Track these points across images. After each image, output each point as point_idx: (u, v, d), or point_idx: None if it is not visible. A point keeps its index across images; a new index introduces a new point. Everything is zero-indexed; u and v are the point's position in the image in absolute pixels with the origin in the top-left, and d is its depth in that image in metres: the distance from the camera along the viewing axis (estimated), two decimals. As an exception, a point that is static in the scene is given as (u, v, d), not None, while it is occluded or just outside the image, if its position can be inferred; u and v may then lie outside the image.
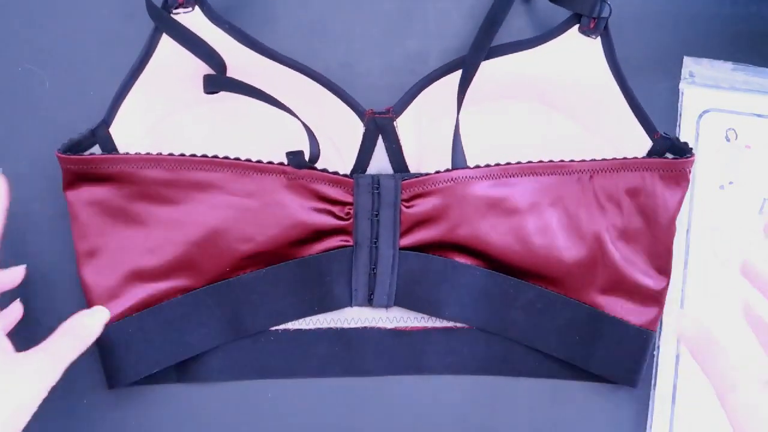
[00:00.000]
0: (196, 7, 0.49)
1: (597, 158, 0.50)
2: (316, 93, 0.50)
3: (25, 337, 0.53)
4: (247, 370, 0.53)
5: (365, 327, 0.53)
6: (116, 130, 0.49)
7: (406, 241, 0.50)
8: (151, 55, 0.49)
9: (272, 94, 0.48)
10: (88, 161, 0.48)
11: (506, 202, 0.49)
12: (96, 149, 0.50)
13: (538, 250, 0.50)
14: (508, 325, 0.52)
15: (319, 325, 0.53)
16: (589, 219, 0.50)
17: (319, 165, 0.49)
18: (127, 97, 0.49)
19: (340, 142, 0.51)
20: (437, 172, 0.49)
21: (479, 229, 0.50)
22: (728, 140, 0.54)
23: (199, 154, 0.48)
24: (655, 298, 0.52)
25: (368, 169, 0.51)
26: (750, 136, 0.54)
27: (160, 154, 0.48)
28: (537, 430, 0.54)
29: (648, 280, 0.52)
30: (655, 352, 0.54)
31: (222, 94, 0.49)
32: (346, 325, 0.53)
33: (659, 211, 0.51)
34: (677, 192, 0.51)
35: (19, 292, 0.53)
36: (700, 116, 0.54)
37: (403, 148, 0.51)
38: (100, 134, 0.49)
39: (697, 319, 0.40)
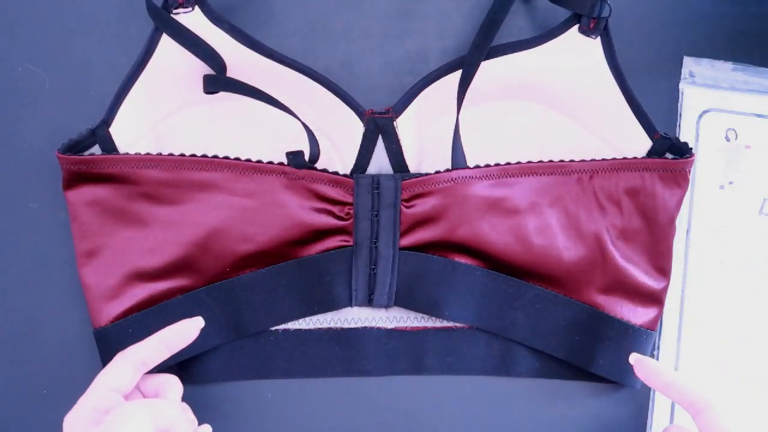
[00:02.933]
0: (196, 7, 0.49)
1: (597, 158, 0.50)
2: (316, 93, 0.50)
3: (23, 337, 0.53)
4: (247, 370, 0.53)
5: (365, 327, 0.53)
6: (116, 130, 0.49)
7: (406, 241, 0.50)
8: (151, 55, 0.49)
9: (272, 94, 0.48)
10: (88, 161, 0.48)
11: (506, 202, 0.49)
12: (96, 149, 0.50)
13: (537, 250, 0.50)
14: (508, 325, 0.52)
15: (319, 325, 0.53)
16: (588, 219, 0.50)
17: (319, 165, 0.49)
18: (127, 97, 0.49)
19: (340, 142, 0.51)
20: (437, 172, 0.49)
21: (479, 229, 0.50)
22: (728, 140, 0.54)
23: (199, 154, 0.49)
24: (655, 298, 0.52)
25: (368, 169, 0.51)
26: (750, 136, 0.54)
27: (160, 154, 0.48)
28: (537, 430, 0.54)
29: (648, 280, 0.52)
30: (655, 352, 0.54)
31: (222, 94, 0.49)
32: (346, 325, 0.53)
33: (659, 211, 0.51)
34: (677, 192, 0.51)
35: (19, 291, 0.53)
36: (700, 116, 0.54)
37: (403, 148, 0.51)
38: (100, 134, 0.49)
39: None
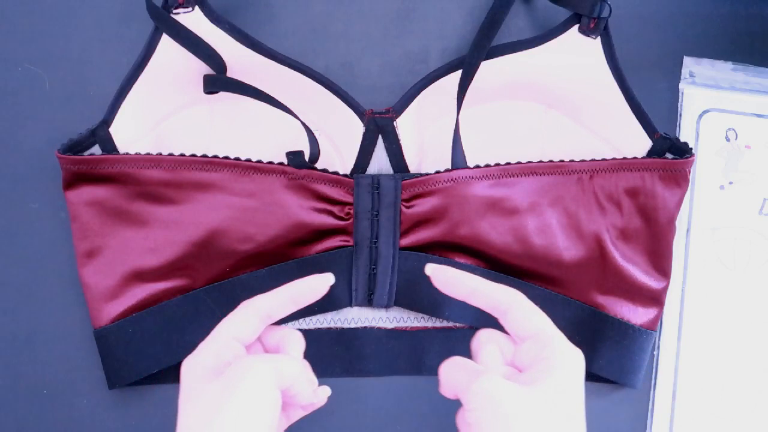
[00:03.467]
0: (196, 7, 0.49)
1: (597, 158, 0.50)
2: (316, 93, 0.50)
3: (22, 336, 0.53)
4: (247, 370, 0.52)
5: (365, 327, 0.53)
6: (116, 130, 0.49)
7: (406, 241, 0.50)
8: (151, 55, 0.49)
9: (272, 94, 0.48)
10: (88, 161, 0.48)
11: (506, 202, 0.49)
12: (96, 149, 0.50)
13: (538, 250, 0.50)
14: (508, 325, 0.52)
15: (319, 325, 0.53)
16: (588, 219, 0.50)
17: (319, 165, 0.49)
18: (128, 97, 0.49)
19: (340, 142, 0.51)
20: (437, 172, 0.49)
21: (479, 229, 0.50)
22: (728, 140, 0.54)
23: (199, 154, 0.49)
24: (656, 298, 0.52)
25: (368, 169, 0.51)
26: (750, 136, 0.54)
27: (160, 154, 0.48)
28: (537, 430, 0.54)
29: (648, 280, 0.52)
30: (655, 352, 0.54)
31: (222, 94, 0.49)
32: (346, 325, 0.53)
33: (659, 211, 0.51)
34: (677, 192, 0.51)
35: (19, 291, 0.53)
36: (700, 116, 0.54)
37: (403, 148, 0.51)
38: (100, 134, 0.49)
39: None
